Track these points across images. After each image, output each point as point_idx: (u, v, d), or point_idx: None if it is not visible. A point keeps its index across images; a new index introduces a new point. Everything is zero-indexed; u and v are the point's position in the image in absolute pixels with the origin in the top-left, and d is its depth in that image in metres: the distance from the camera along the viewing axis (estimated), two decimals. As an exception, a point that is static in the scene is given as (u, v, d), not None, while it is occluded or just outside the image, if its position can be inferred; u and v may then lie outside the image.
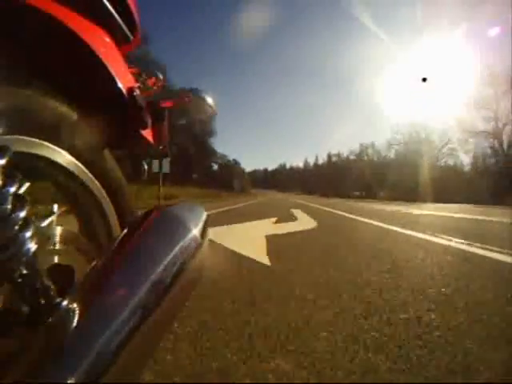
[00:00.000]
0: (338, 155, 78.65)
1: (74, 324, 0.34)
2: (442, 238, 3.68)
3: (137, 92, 0.62)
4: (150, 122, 0.67)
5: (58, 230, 0.47)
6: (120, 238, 0.47)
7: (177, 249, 0.46)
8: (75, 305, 0.36)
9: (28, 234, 0.32)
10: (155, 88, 0.81)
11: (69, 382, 0.30)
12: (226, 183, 45.46)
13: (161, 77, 0.84)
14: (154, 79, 0.81)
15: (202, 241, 0.52)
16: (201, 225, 0.54)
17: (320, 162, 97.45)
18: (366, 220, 6.25)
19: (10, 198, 0.31)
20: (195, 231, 0.51)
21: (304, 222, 5.41)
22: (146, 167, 0.76)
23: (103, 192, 0.59)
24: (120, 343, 0.34)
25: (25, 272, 0.32)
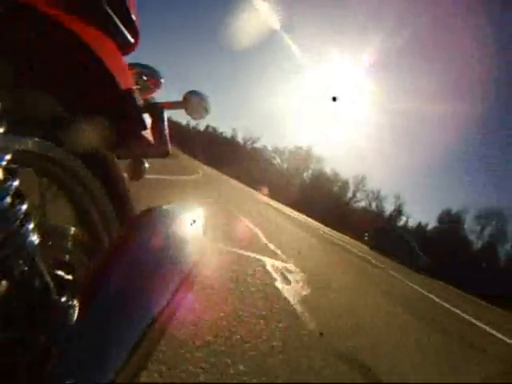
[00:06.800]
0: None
1: (73, 323, 0.34)
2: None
3: (137, 93, 0.63)
4: (149, 122, 0.68)
5: (60, 228, 0.47)
6: (120, 236, 0.47)
7: (176, 247, 0.47)
8: (75, 303, 0.36)
9: (28, 230, 0.33)
10: (153, 88, 0.82)
11: (68, 382, 0.30)
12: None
13: (160, 78, 0.85)
14: (153, 80, 0.82)
15: (201, 239, 0.52)
16: (200, 223, 0.54)
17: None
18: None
19: (11, 195, 0.32)
20: (194, 230, 0.51)
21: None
22: (146, 167, 0.77)
23: (103, 191, 0.60)
24: (120, 342, 0.35)
25: (25, 269, 0.32)
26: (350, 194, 37.02)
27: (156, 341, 0.44)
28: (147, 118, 0.67)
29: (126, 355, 0.34)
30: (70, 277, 0.42)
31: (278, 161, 40.10)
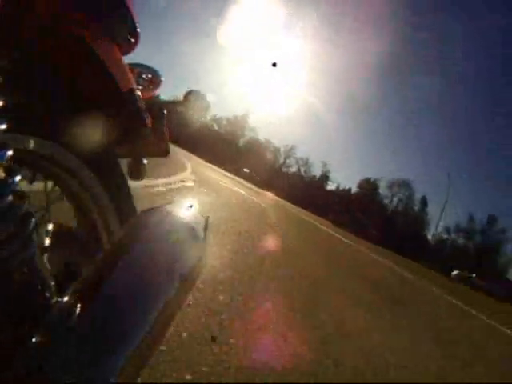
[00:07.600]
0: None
1: (73, 323, 0.34)
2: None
3: (137, 92, 0.63)
4: (149, 121, 0.68)
5: (60, 228, 0.47)
6: (120, 236, 0.47)
7: (176, 247, 0.46)
8: (75, 303, 0.36)
9: (29, 229, 0.32)
10: (152, 88, 0.82)
11: (69, 382, 0.30)
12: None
13: (161, 77, 0.85)
14: (153, 79, 0.82)
15: (201, 239, 0.52)
16: (200, 223, 0.54)
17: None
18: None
19: (12, 194, 0.32)
20: (195, 229, 0.51)
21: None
22: (146, 166, 0.77)
23: (104, 190, 0.60)
24: (120, 342, 0.34)
25: (25, 268, 0.32)
26: (281, 160, 44.16)
27: (157, 340, 0.44)
28: (147, 117, 0.67)
29: (126, 355, 0.34)
30: (70, 277, 0.42)
31: (216, 128, 43.16)
